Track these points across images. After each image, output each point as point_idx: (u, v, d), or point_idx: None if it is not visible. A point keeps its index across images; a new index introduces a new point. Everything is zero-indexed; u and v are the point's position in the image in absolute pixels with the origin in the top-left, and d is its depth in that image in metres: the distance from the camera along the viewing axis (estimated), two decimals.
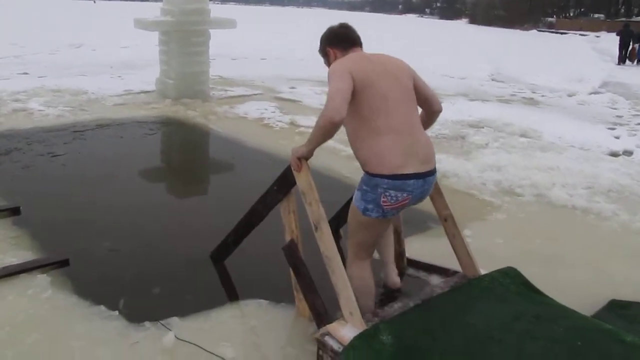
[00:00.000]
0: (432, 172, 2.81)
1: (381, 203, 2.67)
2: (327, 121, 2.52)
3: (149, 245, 3.97)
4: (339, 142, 6.73)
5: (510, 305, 3.09)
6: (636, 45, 21.67)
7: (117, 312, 3.05)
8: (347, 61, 2.67)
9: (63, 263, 3.58)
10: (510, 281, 3.33)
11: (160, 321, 2.98)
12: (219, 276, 3.59)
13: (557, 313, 3.06)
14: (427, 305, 3.04)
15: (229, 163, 6.15)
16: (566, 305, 3.11)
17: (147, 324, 2.95)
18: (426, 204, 4.53)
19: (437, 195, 3.46)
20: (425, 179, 2.76)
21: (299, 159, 2.87)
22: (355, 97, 2.58)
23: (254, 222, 3.34)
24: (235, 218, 3.58)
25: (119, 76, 10.96)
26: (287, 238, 3.07)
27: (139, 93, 9.31)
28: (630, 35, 21.67)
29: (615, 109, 11.03)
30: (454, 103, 10.00)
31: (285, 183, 3.02)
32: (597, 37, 42.17)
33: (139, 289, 3.36)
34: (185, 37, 8.61)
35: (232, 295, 3.36)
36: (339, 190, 5.23)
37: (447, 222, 3.45)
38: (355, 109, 2.61)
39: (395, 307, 3.00)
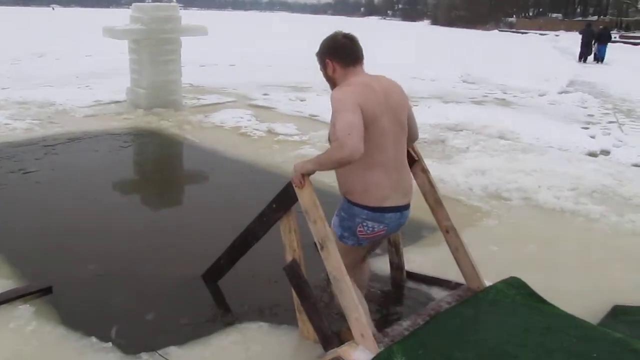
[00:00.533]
0: (409, 206, 2.85)
1: (357, 232, 2.73)
2: (346, 158, 2.41)
3: (136, 267, 3.78)
4: (320, 151, 6.62)
5: (519, 317, 3.03)
6: (595, 44, 22.29)
7: (110, 344, 2.87)
8: (355, 93, 2.54)
9: (46, 291, 3.36)
10: (516, 292, 3.28)
11: (158, 351, 2.80)
12: (214, 298, 3.43)
13: (567, 323, 3.00)
14: (436, 321, 2.94)
15: (210, 176, 5.97)
16: (573, 314, 3.07)
17: (143, 355, 2.78)
18: (417, 212, 4.51)
19: (438, 206, 3.37)
20: (402, 212, 2.80)
21: (303, 175, 2.72)
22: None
23: (249, 241, 3.19)
24: (223, 233, 3.41)
25: (87, 86, 10.65)
26: (288, 258, 2.93)
27: (109, 103, 9.04)
28: (592, 34, 22.24)
29: (585, 107, 11.18)
30: (429, 106, 9.99)
31: (285, 200, 2.89)
32: (557, 35, 43.10)
33: (131, 316, 3.18)
34: (156, 45, 8.38)
35: (230, 318, 3.20)
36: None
37: (449, 234, 3.36)
38: None
39: (405, 325, 2.90)
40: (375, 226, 2.70)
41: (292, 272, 2.90)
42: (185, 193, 5.67)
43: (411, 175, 2.94)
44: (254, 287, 3.51)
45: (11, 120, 7.65)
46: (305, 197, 2.74)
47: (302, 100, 10.09)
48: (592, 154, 7.23)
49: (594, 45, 22.23)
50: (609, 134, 8.53)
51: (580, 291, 3.64)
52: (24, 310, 3.14)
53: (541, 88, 13.30)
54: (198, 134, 7.34)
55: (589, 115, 10.39)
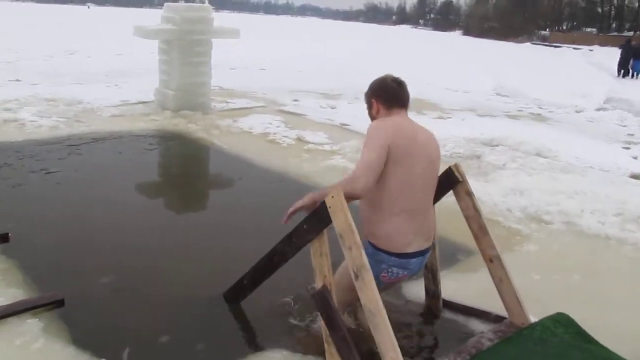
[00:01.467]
0: (430, 248, 2.85)
1: (380, 277, 2.67)
2: (355, 194, 2.52)
3: (153, 281, 3.56)
4: (351, 162, 6.40)
5: None
6: (632, 61, 21.85)
7: None
8: (391, 129, 2.58)
9: (58, 303, 3.16)
10: (564, 330, 2.99)
11: None
12: (234, 321, 3.19)
13: None
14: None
15: (237, 184, 5.71)
16: (625, 359, 2.77)
17: None
18: (452, 234, 4.25)
19: (482, 233, 3.11)
20: (424, 255, 2.81)
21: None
22: (388, 168, 2.54)
23: (276, 263, 2.95)
24: (249, 249, 3.19)
25: (115, 85, 10.56)
26: (319, 284, 2.69)
27: (136, 103, 8.91)
28: (631, 50, 21.75)
29: (625, 126, 10.77)
30: (463, 119, 9.70)
31: (317, 222, 2.64)
32: (591, 50, 42.27)
33: (144, 338, 2.95)
34: (187, 47, 8.23)
35: (252, 344, 2.97)
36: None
37: (494, 264, 3.10)
38: (382, 179, 2.55)
39: None
40: (399, 272, 2.71)
41: (322, 299, 2.65)
42: (210, 203, 5.41)
43: (435, 218, 2.90)
44: (279, 311, 3.26)
45: (37, 117, 7.55)
46: (340, 221, 2.49)
47: (332, 108, 9.86)
48: (636, 176, 6.86)
49: (631, 61, 21.75)
50: None
51: (631, 329, 3.34)
52: (32, 325, 2.94)
53: (578, 104, 12.90)
54: (225, 139, 7.15)
55: (629, 134, 9.98)
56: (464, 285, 3.75)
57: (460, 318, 3.37)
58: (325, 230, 2.66)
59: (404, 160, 2.55)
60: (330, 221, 2.58)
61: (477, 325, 3.29)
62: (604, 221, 5.08)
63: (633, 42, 23.42)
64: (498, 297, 3.15)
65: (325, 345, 2.73)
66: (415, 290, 3.63)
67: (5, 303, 3.10)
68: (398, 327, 3.33)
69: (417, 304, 3.50)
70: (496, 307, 3.30)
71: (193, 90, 8.48)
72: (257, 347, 2.91)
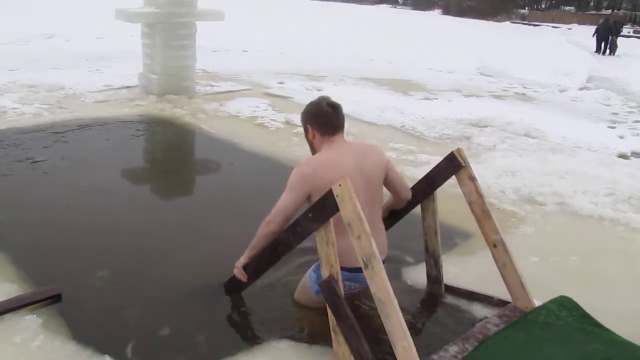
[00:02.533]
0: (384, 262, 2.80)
1: None
2: (269, 234, 2.85)
3: (150, 272, 3.49)
4: None
5: (576, 346, 2.75)
6: (615, 38, 22.21)
7: None
8: (311, 177, 2.72)
9: (55, 299, 3.08)
10: (568, 313, 3.01)
11: None
12: (237, 312, 3.13)
13: (627, 352, 2.74)
14: (487, 347, 2.68)
15: (229, 170, 5.63)
16: (633, 342, 2.79)
17: None
18: (450, 218, 4.23)
19: (485, 218, 3.09)
20: None
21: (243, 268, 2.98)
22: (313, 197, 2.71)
23: (280, 252, 2.91)
24: (245, 236, 3.14)
25: (97, 69, 10.32)
26: (325, 273, 2.65)
27: (120, 88, 8.73)
28: (609, 28, 22.12)
29: (608, 105, 10.85)
30: (450, 100, 9.68)
31: (323, 211, 2.60)
32: (569, 29, 42.37)
33: (147, 331, 2.89)
34: (170, 30, 8.06)
35: (256, 335, 2.92)
36: None
37: (497, 249, 3.08)
38: None
39: (452, 352, 2.65)
40: (352, 285, 2.88)
41: (329, 289, 2.62)
42: (202, 189, 5.27)
43: (385, 234, 3.05)
44: (283, 301, 3.22)
45: (19, 104, 7.36)
46: (348, 209, 2.45)
47: (319, 90, 9.75)
48: (623, 156, 6.92)
49: (615, 38, 22.45)
50: (638, 134, 8.20)
51: (634, 311, 3.36)
52: (30, 322, 2.86)
53: (561, 83, 12.96)
54: (213, 123, 7.04)
55: (613, 113, 10.06)
56: (464, 269, 3.75)
57: (462, 303, 3.36)
58: (331, 219, 2.62)
59: None
60: (337, 210, 2.54)
61: (480, 310, 3.29)
62: (596, 202, 5.11)
63: (612, 20, 23.78)
64: (498, 280, 3.14)
65: (332, 334, 2.70)
66: (416, 275, 3.62)
67: (0, 299, 3.02)
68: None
69: (418, 290, 3.49)
70: (497, 290, 3.30)
71: (177, 74, 8.33)
72: (261, 338, 2.87)
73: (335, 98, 8.46)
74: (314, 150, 2.93)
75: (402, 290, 3.49)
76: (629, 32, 31.97)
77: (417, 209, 3.39)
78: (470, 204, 3.14)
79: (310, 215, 2.66)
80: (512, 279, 3.06)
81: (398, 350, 2.35)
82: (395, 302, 2.36)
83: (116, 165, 5.47)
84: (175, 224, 4.19)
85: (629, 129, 8.59)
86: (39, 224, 4.07)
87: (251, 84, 9.88)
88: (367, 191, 2.78)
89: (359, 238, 2.42)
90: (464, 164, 3.11)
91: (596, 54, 22.38)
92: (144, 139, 6.55)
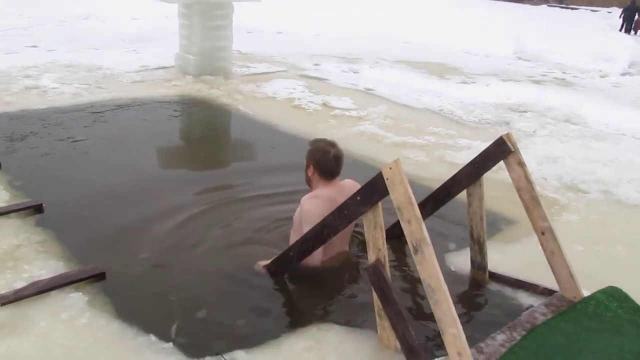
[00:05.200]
0: None
1: None
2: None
3: (193, 255, 3.46)
4: (380, 128, 6.29)
5: (626, 338, 2.68)
6: (638, 18, 23.78)
7: (170, 344, 2.61)
8: (320, 207, 3.09)
9: (99, 276, 3.11)
10: (617, 305, 2.93)
11: (224, 355, 2.54)
12: (281, 295, 3.13)
13: None
14: (535, 337, 2.63)
15: (271, 153, 5.55)
16: None
17: (208, 359, 2.52)
18: (493, 204, 4.15)
19: (534, 205, 3.02)
20: None
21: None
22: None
23: (326, 235, 2.88)
24: (288, 220, 3.12)
25: (133, 50, 10.39)
26: (372, 257, 2.63)
27: (156, 69, 8.78)
28: (636, 10, 23.75)
29: None
30: (488, 84, 9.50)
31: (372, 194, 2.57)
32: (609, 12, 41.13)
33: (189, 313, 2.88)
34: (207, 10, 8.05)
35: (300, 319, 2.90)
36: None
37: (545, 236, 3.02)
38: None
39: (500, 340, 2.61)
40: None
41: (376, 273, 2.60)
42: (244, 172, 5.03)
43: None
44: (326, 283, 3.20)
45: (58, 84, 7.45)
46: (399, 193, 2.41)
47: (355, 72, 9.69)
48: None
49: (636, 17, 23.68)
50: None
51: None
52: (76, 299, 2.89)
53: (602, 68, 12.62)
54: (250, 104, 7.03)
55: None
56: (507, 256, 3.69)
57: (507, 290, 3.31)
58: (380, 203, 2.59)
59: None
60: (386, 193, 2.50)
61: (525, 298, 3.23)
62: None
63: (638, 2, 24.11)
64: (543, 268, 3.10)
65: (377, 319, 2.69)
66: (459, 261, 3.57)
67: (46, 276, 3.06)
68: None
69: (461, 276, 3.44)
70: (541, 278, 3.25)
71: (214, 55, 8.32)
72: (306, 322, 2.85)
73: (372, 81, 8.42)
74: (309, 183, 3.35)
75: (444, 276, 3.46)
76: None
77: (461, 195, 3.35)
78: (518, 190, 3.08)
79: (359, 198, 2.63)
80: (560, 268, 3.00)
81: (447, 338, 2.31)
82: (446, 288, 2.32)
83: (155, 146, 5.49)
84: (216, 206, 4.14)
85: None
86: (81, 203, 4.09)
87: (287, 65, 9.84)
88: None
89: (409, 222, 2.38)
90: (513, 149, 3.05)
91: (620, 32, 23.19)
92: (182, 119, 6.58)
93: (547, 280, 3.20)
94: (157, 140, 5.67)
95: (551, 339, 2.62)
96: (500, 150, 3.07)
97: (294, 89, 7.94)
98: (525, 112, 7.54)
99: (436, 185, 4.68)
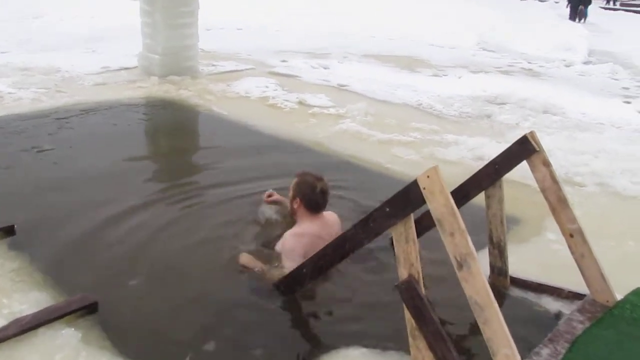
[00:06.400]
0: None
1: None
2: None
3: (188, 277, 3.15)
4: (363, 125, 6.08)
5: None
6: (582, 7, 23.86)
7: None
8: (303, 245, 3.10)
9: (90, 308, 2.77)
10: None
11: None
12: (294, 316, 2.86)
13: None
14: (579, 349, 2.47)
15: (253, 156, 5.10)
16: None
17: None
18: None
19: (562, 206, 2.85)
20: None
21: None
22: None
23: (347, 250, 2.64)
24: None
25: (92, 50, 9.86)
26: (403, 273, 2.40)
27: (118, 70, 8.33)
28: (581, 1, 23.79)
29: (617, 80, 10.61)
30: (460, 76, 9.40)
31: (405, 205, 2.33)
32: (556, 2, 42.02)
33: (198, 344, 2.59)
34: (171, 7, 7.66)
35: (321, 343, 2.65)
36: (385, 187, 4.59)
37: (574, 239, 2.85)
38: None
39: (545, 355, 2.43)
40: None
41: (409, 291, 2.37)
42: (232, 179, 4.53)
43: None
44: (342, 301, 2.96)
45: (15, 89, 6.94)
46: (439, 204, 2.19)
47: (325, 68, 9.44)
48: None
49: (582, 7, 23.87)
50: None
51: None
52: (68, 336, 2.56)
53: (565, 58, 12.70)
54: (224, 105, 6.70)
55: (624, 88, 9.83)
56: (521, 258, 3.51)
57: (530, 296, 3.15)
58: (412, 215, 2.36)
59: None
60: (421, 204, 2.28)
61: (550, 303, 3.09)
62: (637, 181, 4.91)
63: None
64: (560, 268, 3.08)
65: (410, 339, 2.46)
66: None
67: (29, 310, 2.71)
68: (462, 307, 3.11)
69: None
70: (560, 279, 3.14)
71: (180, 54, 7.95)
72: (329, 346, 2.60)
73: (344, 76, 8.17)
74: (294, 214, 3.36)
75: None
76: (616, 5, 31.99)
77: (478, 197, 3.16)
78: (543, 191, 2.91)
79: (388, 209, 2.39)
80: (591, 271, 2.84)
81: (499, 357, 2.11)
82: (496, 305, 2.13)
83: (129, 153, 5.07)
84: (211, 220, 3.79)
85: None
86: (56, 222, 3.68)
87: (254, 62, 9.51)
88: None
89: (451, 235, 2.17)
90: (537, 149, 2.87)
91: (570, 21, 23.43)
92: (154, 123, 6.21)
93: (566, 281, 3.09)
94: (132, 147, 5.28)
95: (595, 350, 2.47)
96: (524, 150, 2.89)
97: (266, 87, 7.64)
98: (503, 104, 7.45)
99: None
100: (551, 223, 4.05)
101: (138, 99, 6.89)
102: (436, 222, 2.21)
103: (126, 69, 8.37)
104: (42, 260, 3.21)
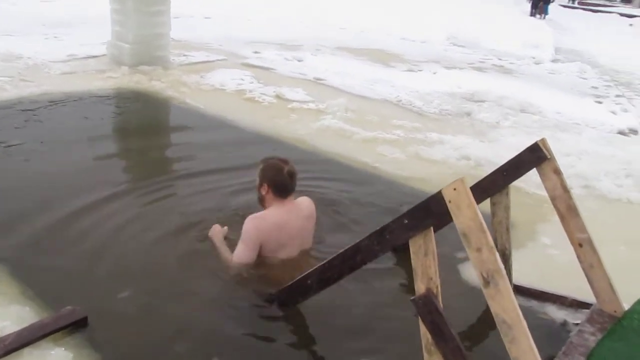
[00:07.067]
0: None
1: None
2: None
3: (180, 289, 2.96)
4: (345, 122, 5.96)
5: None
6: (541, 3, 24.14)
7: None
8: (261, 231, 3.04)
9: (79, 323, 2.55)
10: None
11: None
12: (299, 330, 2.72)
13: None
14: None
15: (237, 154, 4.83)
16: None
17: None
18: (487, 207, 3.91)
19: (571, 215, 2.80)
20: None
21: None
22: (266, 254, 3.09)
23: (358, 262, 2.51)
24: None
25: (55, 36, 9.40)
26: (421, 287, 2.29)
27: (85, 58, 7.95)
28: None
29: (585, 79, 10.77)
30: (435, 72, 9.37)
31: (425, 217, 2.22)
32: None
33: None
34: None
35: (330, 357, 2.54)
36: (374, 185, 4.50)
37: (583, 248, 2.80)
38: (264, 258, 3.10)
39: None
40: None
41: (427, 305, 2.27)
42: (216, 177, 4.34)
43: None
44: (348, 313, 2.84)
45: None
46: (466, 218, 2.09)
47: (299, 61, 9.27)
48: (623, 133, 6.84)
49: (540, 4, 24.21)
50: (627, 111, 8.15)
51: None
52: (59, 356, 2.34)
53: (534, 55, 12.84)
54: (200, 98, 6.47)
55: (593, 87, 9.99)
56: (521, 265, 3.44)
57: (534, 304, 3.11)
58: (432, 228, 2.25)
59: (279, 249, 3.09)
60: (443, 217, 2.17)
61: (554, 311, 3.06)
62: (620, 184, 4.96)
63: None
64: (560, 274, 3.17)
65: (426, 354, 2.36)
66: (472, 272, 3.30)
67: (12, 328, 2.46)
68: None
69: (480, 290, 3.17)
70: (557, 284, 3.17)
71: (151, 43, 7.64)
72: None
73: (319, 70, 8.02)
74: (262, 202, 3.21)
75: (460, 291, 3.21)
76: (575, 4, 32.80)
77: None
78: (553, 199, 2.85)
79: (406, 222, 2.28)
80: (599, 281, 2.80)
81: None
82: (525, 324, 2.04)
83: (105, 149, 4.83)
84: (199, 224, 3.55)
85: (616, 104, 8.51)
86: (30, 226, 3.41)
87: (225, 53, 9.25)
88: (299, 247, 3.21)
89: (478, 251, 2.07)
90: (549, 156, 2.80)
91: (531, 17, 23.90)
92: (128, 117, 5.94)
93: (565, 287, 3.12)
94: (109, 143, 5.05)
95: None
96: (535, 157, 2.82)
97: (242, 79, 7.44)
98: (481, 101, 7.44)
99: (421, 186, 4.52)
100: (544, 227, 4.10)
101: (109, 90, 6.59)
102: (462, 237, 2.10)
103: (94, 57, 8.01)
104: (19, 269, 2.98)
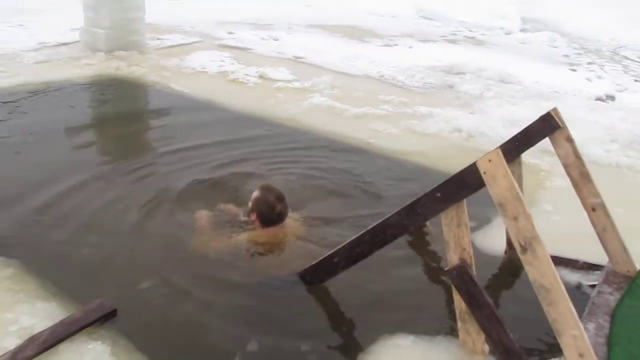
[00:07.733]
0: None
1: None
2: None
3: (203, 273, 2.95)
4: (333, 100, 5.96)
5: None
6: None
7: None
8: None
9: (109, 315, 2.53)
10: None
11: None
12: (333, 308, 2.75)
13: None
14: (622, 322, 2.54)
15: (234, 138, 4.77)
16: None
17: None
18: None
19: (584, 181, 2.89)
20: None
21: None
22: None
23: (389, 237, 2.54)
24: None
25: (19, 24, 9.09)
26: (454, 258, 2.36)
27: (57, 46, 7.74)
28: None
29: (556, 47, 10.98)
30: (410, 46, 9.41)
31: (459, 189, 2.27)
32: None
33: (236, 345, 2.43)
34: None
35: (363, 336, 2.54)
36: (372, 162, 4.53)
37: (596, 212, 2.90)
38: None
39: (592, 330, 2.45)
40: None
41: (462, 275, 2.33)
42: (223, 162, 4.27)
43: None
44: (378, 289, 2.87)
45: None
46: (501, 188, 2.14)
47: (275, 40, 9.20)
48: (601, 99, 7.01)
49: None
50: (601, 77, 8.34)
51: None
52: (96, 351, 2.32)
53: (503, 26, 13.00)
54: (183, 82, 6.38)
55: (564, 55, 10.18)
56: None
57: None
58: (465, 200, 2.30)
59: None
60: (477, 188, 2.22)
61: (568, 275, 3.14)
62: (608, 149, 5.09)
63: None
64: (561, 238, 3.19)
65: (459, 323, 2.44)
66: (487, 242, 3.39)
67: (41, 324, 2.42)
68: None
69: (494, 258, 3.27)
70: (564, 249, 3.19)
71: (126, 28, 7.50)
72: (373, 338, 2.49)
73: (297, 48, 7.97)
74: (249, 218, 3.29)
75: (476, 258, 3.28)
76: None
77: None
78: (566, 166, 2.93)
79: (439, 195, 2.32)
80: (613, 244, 2.91)
81: (565, 340, 2.11)
82: (563, 288, 2.11)
83: (98, 139, 4.75)
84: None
85: (590, 71, 8.71)
86: (37, 217, 3.38)
87: (200, 35, 9.11)
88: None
89: (515, 219, 2.13)
90: (561, 125, 2.87)
91: None
92: (114, 103, 5.81)
93: (572, 250, 3.22)
94: (101, 132, 4.95)
95: (633, 321, 2.53)
96: (547, 126, 2.89)
97: (222, 61, 7.37)
98: (462, 73, 7.52)
99: (420, 160, 4.58)
100: (544, 195, 4.20)
101: (88, 78, 6.45)
102: (498, 207, 2.16)
103: (66, 44, 7.81)
104: (36, 263, 2.93)
